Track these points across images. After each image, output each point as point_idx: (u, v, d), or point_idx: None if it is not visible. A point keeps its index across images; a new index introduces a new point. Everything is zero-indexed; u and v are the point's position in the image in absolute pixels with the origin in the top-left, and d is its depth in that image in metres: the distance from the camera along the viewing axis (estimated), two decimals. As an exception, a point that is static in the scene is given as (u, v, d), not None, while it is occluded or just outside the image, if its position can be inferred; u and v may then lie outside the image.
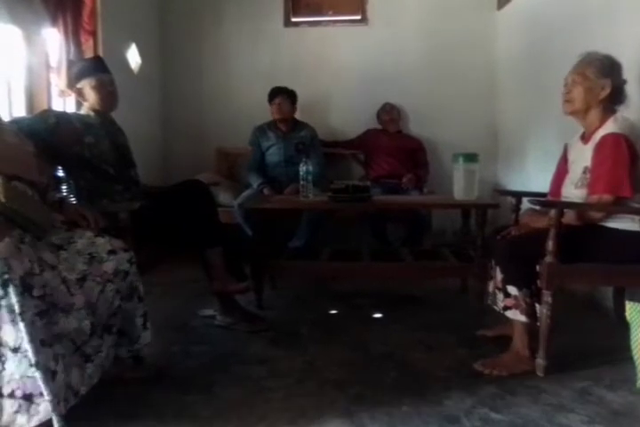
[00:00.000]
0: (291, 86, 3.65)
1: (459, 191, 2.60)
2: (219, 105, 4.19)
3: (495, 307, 1.97)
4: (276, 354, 2.08)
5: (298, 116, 3.72)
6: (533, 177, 3.30)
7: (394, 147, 3.82)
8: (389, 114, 3.97)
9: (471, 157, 2.58)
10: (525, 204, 2.28)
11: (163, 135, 4.21)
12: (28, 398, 1.36)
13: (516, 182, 3.62)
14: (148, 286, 1.78)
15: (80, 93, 2.29)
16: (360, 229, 3.55)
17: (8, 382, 1.36)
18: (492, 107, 4.09)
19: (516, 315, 1.87)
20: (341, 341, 2.22)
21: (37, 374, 1.34)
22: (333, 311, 2.66)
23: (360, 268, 2.70)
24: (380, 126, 4.01)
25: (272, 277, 2.87)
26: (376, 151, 3.85)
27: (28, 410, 1.36)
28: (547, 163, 2.26)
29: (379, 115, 4.01)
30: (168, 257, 2.34)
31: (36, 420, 1.35)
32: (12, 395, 1.37)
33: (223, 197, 3.51)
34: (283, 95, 3.55)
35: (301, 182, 2.73)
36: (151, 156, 3.82)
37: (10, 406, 1.36)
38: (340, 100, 4.14)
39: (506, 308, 1.89)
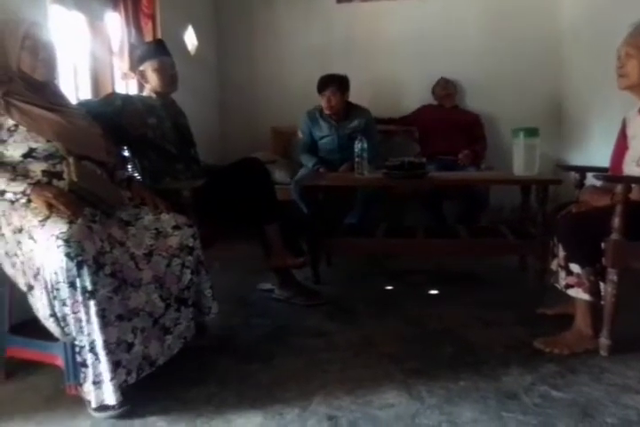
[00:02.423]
0: (344, 63, 3.60)
1: (519, 167, 2.53)
2: (273, 85, 4.22)
3: (557, 285, 1.93)
4: (332, 328, 2.13)
5: (351, 93, 3.65)
6: (598, 152, 3.16)
7: (450, 122, 3.74)
8: (445, 89, 3.88)
9: (532, 132, 2.50)
10: (589, 179, 2.20)
11: (219, 115, 4.29)
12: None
13: (579, 158, 3.47)
14: (209, 261, 1.85)
15: (142, 76, 2.36)
16: (415, 206, 3.53)
17: (92, 348, 1.47)
18: (554, 79, 3.91)
19: (579, 293, 1.82)
20: (397, 316, 2.24)
21: (101, 349, 1.45)
22: (389, 287, 2.68)
23: (415, 244, 2.70)
24: (435, 102, 3.93)
25: (328, 253, 2.91)
26: (432, 127, 3.78)
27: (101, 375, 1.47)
28: (612, 137, 2.15)
29: (434, 90, 3.92)
30: (227, 233, 2.41)
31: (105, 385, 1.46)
32: (83, 364, 1.48)
33: (279, 174, 3.56)
34: (332, 87, 3.27)
35: (356, 159, 2.72)
36: (209, 135, 3.91)
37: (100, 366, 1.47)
38: (395, 76, 4.07)
39: (568, 286, 1.85)
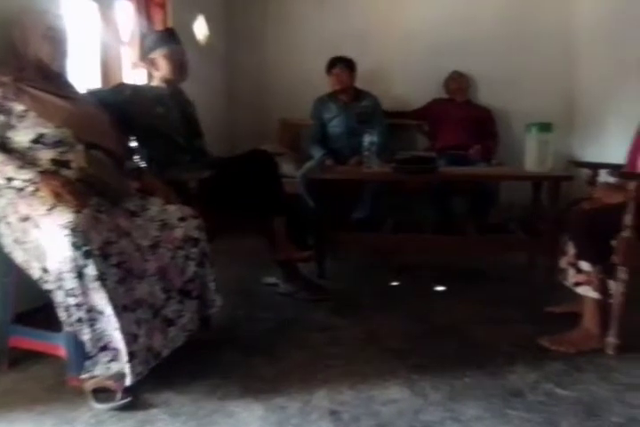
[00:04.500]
0: (355, 53, 3.57)
1: (531, 162, 2.50)
2: (283, 75, 4.18)
3: (566, 283, 1.91)
4: (336, 322, 2.12)
5: (361, 84, 3.64)
6: (612, 149, 3.10)
7: (461, 117, 3.69)
8: (457, 82, 3.83)
9: (545, 127, 2.47)
10: (602, 176, 2.17)
11: (227, 106, 4.26)
12: (118, 351, 1.49)
13: (592, 154, 3.42)
14: (214, 254, 1.84)
15: (153, 63, 2.35)
16: (424, 201, 3.50)
17: (100, 338, 1.49)
18: (568, 74, 3.85)
19: (588, 291, 1.80)
20: (402, 312, 2.22)
21: (119, 337, 1.45)
22: (395, 283, 2.66)
23: (423, 241, 2.68)
24: (447, 96, 3.88)
25: (334, 247, 2.89)
26: (442, 121, 3.74)
27: (119, 360, 1.48)
28: (627, 133, 2.12)
29: (446, 83, 3.88)
30: (234, 225, 2.40)
31: (127, 366, 1.47)
32: (104, 348, 1.50)
33: (286, 167, 3.53)
34: (341, 65, 3.45)
35: (365, 153, 2.70)
36: (217, 126, 3.88)
37: (104, 356, 1.50)
38: (406, 69, 4.03)
39: (577, 284, 1.84)
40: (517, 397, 1.53)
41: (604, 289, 1.78)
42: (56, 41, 1.75)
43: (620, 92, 3.06)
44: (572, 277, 1.85)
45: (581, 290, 1.82)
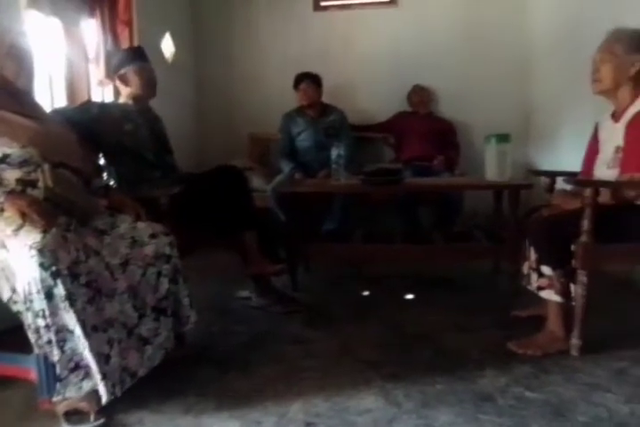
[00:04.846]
0: (320, 70, 3.65)
1: (491, 172, 2.58)
2: (250, 91, 4.23)
3: (529, 287, 1.98)
4: (311, 334, 2.14)
5: (327, 99, 3.72)
6: (567, 157, 3.24)
7: (425, 129, 3.80)
8: (420, 96, 3.94)
9: (503, 138, 2.55)
10: (559, 184, 2.26)
11: (196, 122, 4.28)
12: (89, 369, 1.47)
13: (548, 163, 3.55)
14: (187, 269, 1.84)
15: (123, 79, 2.35)
16: (391, 212, 3.56)
17: (70, 359, 1.47)
18: (524, 86, 4.00)
19: (551, 295, 1.87)
20: (375, 322, 2.25)
21: (89, 357, 1.44)
22: (366, 293, 2.70)
23: (392, 250, 2.72)
24: (410, 109, 3.99)
25: (306, 259, 2.92)
26: (407, 134, 3.83)
27: (91, 377, 1.47)
28: (580, 142, 2.22)
29: (409, 97, 3.99)
30: (205, 241, 2.40)
31: (100, 384, 1.45)
32: (75, 367, 1.48)
33: (256, 181, 3.56)
34: (307, 80, 3.55)
35: (333, 166, 2.75)
36: (186, 142, 3.89)
37: (75, 376, 1.48)
38: (370, 84, 4.12)
39: (540, 288, 1.90)
40: (488, 401, 1.57)
41: (566, 292, 1.84)
42: (20, 59, 1.73)
43: (573, 102, 3.20)
44: (534, 281, 1.92)
45: (544, 294, 1.89)
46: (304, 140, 3.61)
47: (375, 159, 3.89)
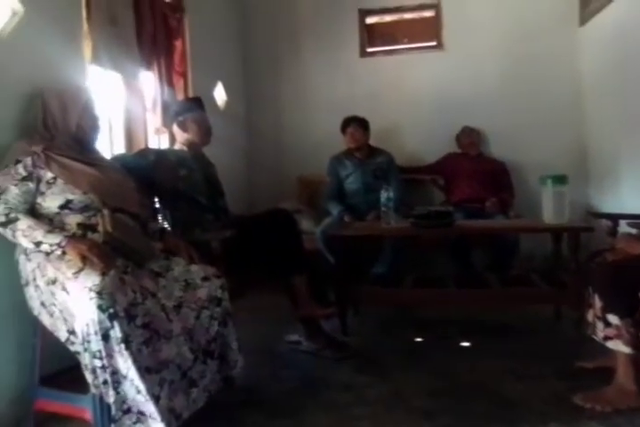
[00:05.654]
0: (367, 114, 3.70)
1: (548, 215, 2.50)
2: (299, 135, 4.33)
3: (595, 337, 1.86)
4: (362, 381, 2.07)
5: (375, 142, 3.75)
6: (629, 198, 3.11)
7: (475, 170, 3.75)
8: (469, 137, 3.92)
9: (560, 179, 2.48)
10: (622, 227, 2.16)
11: (247, 166, 4.39)
12: (142, 413, 1.48)
13: (609, 204, 3.42)
14: (236, 312, 1.84)
15: (182, 126, 2.46)
16: (443, 255, 3.49)
17: (124, 401, 1.48)
18: (578, 125, 3.92)
19: (619, 346, 1.75)
20: (428, 369, 2.17)
21: (143, 399, 1.44)
22: (418, 339, 2.61)
23: (445, 295, 2.65)
24: (460, 150, 3.97)
25: (355, 303, 2.87)
26: (457, 175, 3.79)
27: (144, 421, 1.47)
28: (644, 182, 2.13)
29: (458, 138, 3.97)
30: (256, 284, 2.41)
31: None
32: (128, 411, 1.48)
33: (305, 224, 3.58)
34: (354, 124, 3.60)
35: (382, 209, 2.73)
36: (237, 185, 3.99)
37: (127, 419, 1.49)
38: (418, 126, 4.14)
39: (607, 338, 1.78)
40: (555, 459, 1.46)
41: (635, 343, 1.72)
42: (93, 114, 1.90)
43: (633, 142, 3.10)
44: (600, 331, 1.81)
45: (612, 344, 1.77)
46: (352, 182, 3.63)
47: (425, 202, 3.86)
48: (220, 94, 3.75)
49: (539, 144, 3.93)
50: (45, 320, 1.62)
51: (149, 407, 1.45)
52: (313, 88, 4.34)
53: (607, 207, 3.34)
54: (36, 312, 1.64)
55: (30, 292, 1.64)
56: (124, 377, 1.46)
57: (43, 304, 1.61)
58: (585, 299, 2.00)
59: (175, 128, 2.49)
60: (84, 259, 1.56)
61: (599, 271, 1.86)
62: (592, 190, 3.83)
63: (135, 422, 1.48)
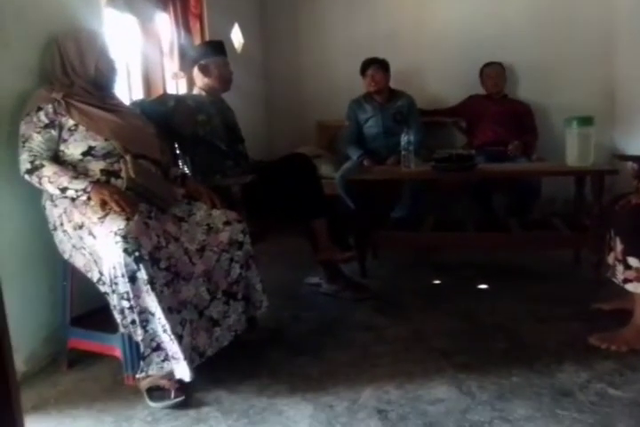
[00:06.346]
0: (388, 55, 3.58)
1: (572, 157, 2.45)
2: (317, 79, 4.23)
3: (614, 279, 1.87)
4: (381, 321, 2.13)
5: (396, 85, 3.65)
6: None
7: (499, 112, 3.64)
8: (493, 79, 3.78)
9: (586, 120, 2.41)
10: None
11: (265, 111, 4.34)
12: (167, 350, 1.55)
13: (636, 147, 3.32)
14: (258, 256, 1.89)
15: (204, 70, 2.41)
16: (464, 199, 3.47)
17: (152, 339, 1.55)
18: (608, 65, 3.74)
19: (638, 288, 1.76)
20: (447, 310, 2.22)
21: (168, 338, 1.51)
22: (437, 281, 2.65)
23: (465, 238, 2.66)
24: (483, 92, 3.84)
25: (374, 247, 2.90)
26: (480, 118, 3.69)
27: (171, 358, 1.55)
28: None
29: (482, 77, 3.83)
30: (276, 228, 2.45)
31: (181, 364, 1.53)
32: (157, 348, 1.56)
33: (324, 169, 3.57)
34: (374, 66, 3.48)
35: (403, 152, 2.70)
36: (256, 131, 3.95)
37: (157, 356, 1.56)
38: (440, 67, 4.00)
39: (626, 280, 1.79)
40: (568, 396, 1.51)
41: (655, 285, 1.73)
42: (109, 57, 1.87)
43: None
44: (620, 273, 1.81)
45: (631, 287, 1.78)
46: (372, 126, 3.57)
47: (446, 145, 3.78)
48: (237, 36, 3.64)
49: (565, 85, 3.79)
50: (79, 262, 1.67)
51: (173, 347, 1.52)
52: (331, 29, 4.18)
53: (633, 150, 3.25)
54: (67, 255, 1.70)
55: (60, 236, 1.69)
56: (152, 315, 1.52)
57: (74, 247, 1.66)
58: (606, 242, 1.99)
59: (196, 72, 2.44)
60: (104, 204, 1.60)
61: (622, 214, 1.84)
62: (618, 133, 3.72)
63: (163, 360, 1.56)
